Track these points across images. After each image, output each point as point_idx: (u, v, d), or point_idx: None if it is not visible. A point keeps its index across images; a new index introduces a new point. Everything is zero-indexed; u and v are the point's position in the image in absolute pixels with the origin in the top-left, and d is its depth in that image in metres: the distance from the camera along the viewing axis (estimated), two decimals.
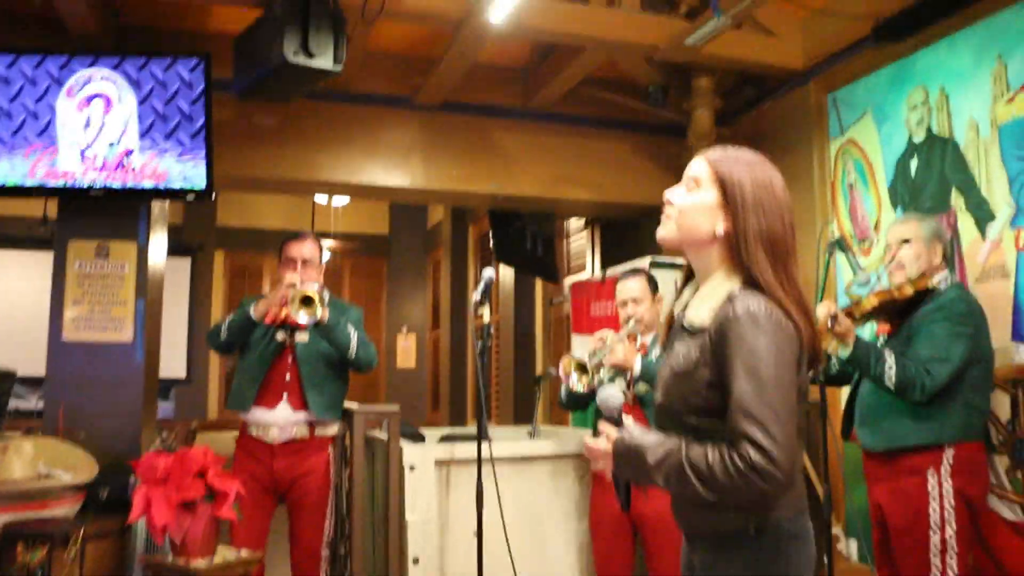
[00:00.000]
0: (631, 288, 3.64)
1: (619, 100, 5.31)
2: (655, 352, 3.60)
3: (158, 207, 4.83)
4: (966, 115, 3.65)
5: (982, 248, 3.54)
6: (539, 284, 7.39)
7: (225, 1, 4.21)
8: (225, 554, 3.39)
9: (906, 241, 3.12)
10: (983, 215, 3.56)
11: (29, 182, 4.25)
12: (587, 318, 5.07)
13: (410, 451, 3.69)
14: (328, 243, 8.61)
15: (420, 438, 4.53)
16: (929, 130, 3.84)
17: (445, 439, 4.08)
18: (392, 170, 5.17)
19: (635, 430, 1.73)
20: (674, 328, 1.84)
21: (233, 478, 3.43)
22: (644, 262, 4.52)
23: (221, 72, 4.36)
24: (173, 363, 8.29)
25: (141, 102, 4.29)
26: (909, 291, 3.02)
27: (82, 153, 4.28)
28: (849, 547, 4.16)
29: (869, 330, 3.73)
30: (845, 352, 2.97)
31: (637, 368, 3.42)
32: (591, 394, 3.58)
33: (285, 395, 3.79)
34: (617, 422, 1.79)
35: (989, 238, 3.52)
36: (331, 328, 3.73)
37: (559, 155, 5.45)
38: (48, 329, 4.53)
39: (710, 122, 4.92)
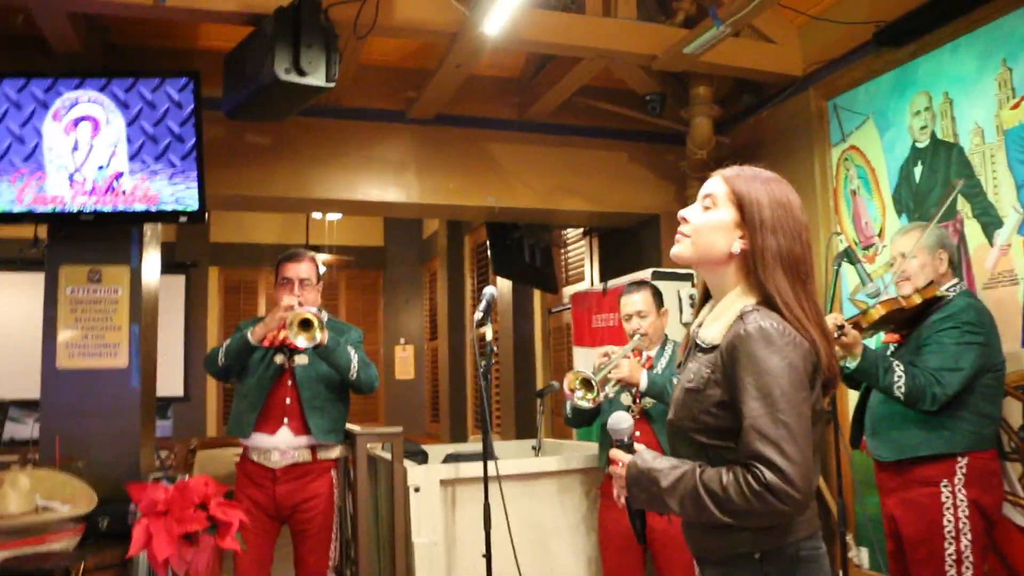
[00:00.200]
0: (636, 302, 3.60)
1: (616, 109, 5.27)
2: (660, 365, 3.55)
3: (150, 229, 4.75)
4: (971, 120, 3.61)
5: (990, 254, 3.50)
6: (538, 293, 7.34)
7: (214, 19, 4.14)
8: None
9: (909, 255, 3.09)
10: (990, 221, 3.51)
11: (17, 208, 4.18)
12: (589, 330, 5.01)
13: (415, 472, 3.63)
14: (323, 256, 8.56)
15: (423, 456, 4.48)
16: (933, 135, 3.80)
17: (450, 458, 4.02)
18: (387, 185, 5.12)
19: (647, 454, 1.71)
20: (690, 347, 1.82)
21: (236, 507, 3.37)
22: (646, 274, 4.46)
23: (211, 89, 4.30)
24: (170, 381, 8.26)
25: (130, 123, 4.22)
26: (917, 300, 2.99)
27: (71, 177, 4.21)
28: (860, 555, 4.12)
29: (875, 338, 3.69)
30: (853, 363, 2.93)
31: (643, 383, 3.38)
32: (596, 410, 3.54)
33: (286, 420, 3.73)
34: (628, 447, 1.76)
35: (997, 244, 3.47)
36: (331, 350, 3.67)
37: (556, 166, 5.40)
38: (41, 357, 4.46)
39: (709, 130, 4.87)
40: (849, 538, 4.15)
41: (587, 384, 3.38)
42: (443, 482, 3.65)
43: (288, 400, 3.74)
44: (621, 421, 1.81)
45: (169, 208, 4.27)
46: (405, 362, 10.26)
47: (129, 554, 3.21)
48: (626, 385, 3.45)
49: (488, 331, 3.47)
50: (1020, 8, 3.37)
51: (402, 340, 10.29)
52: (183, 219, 4.31)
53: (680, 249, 1.78)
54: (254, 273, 9.79)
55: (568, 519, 3.84)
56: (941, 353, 2.90)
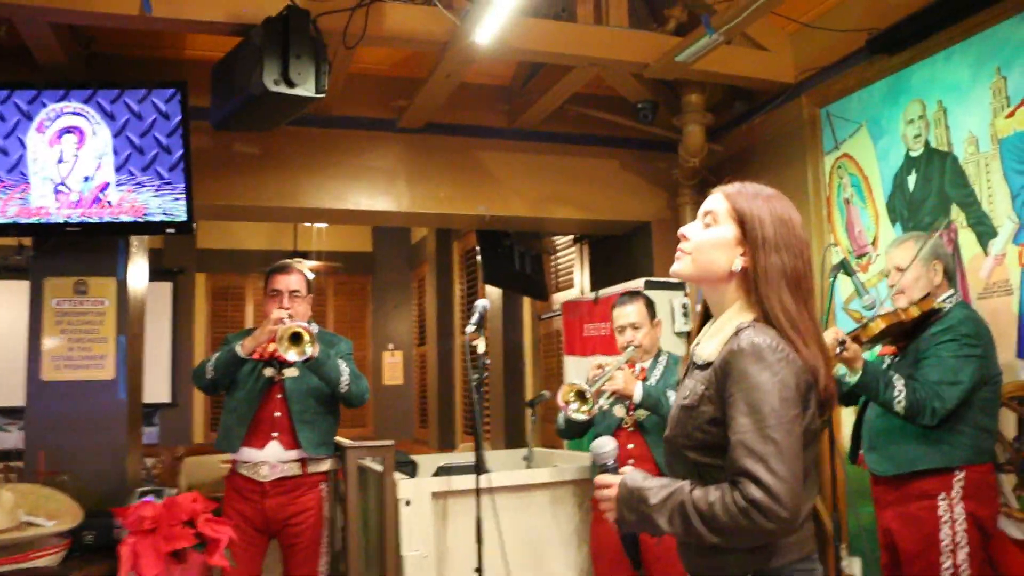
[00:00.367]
0: (629, 313, 3.58)
1: (607, 117, 5.24)
2: (654, 377, 3.54)
3: (137, 240, 4.71)
4: (965, 129, 3.59)
5: (985, 264, 3.48)
6: (528, 299, 7.31)
7: (201, 29, 4.09)
8: None
9: (903, 268, 3.09)
10: (985, 230, 3.50)
11: (1, 220, 4.12)
12: (580, 339, 4.99)
13: (405, 485, 3.59)
14: (311, 263, 8.52)
15: (413, 467, 4.45)
16: (927, 144, 3.78)
17: (441, 471, 3.99)
18: (377, 195, 5.07)
19: (637, 474, 1.70)
20: (688, 365, 1.81)
21: (224, 524, 3.33)
22: (639, 283, 4.44)
23: (198, 99, 4.25)
24: (157, 387, 8.22)
25: (116, 135, 4.17)
26: (915, 313, 2.99)
27: (56, 189, 4.16)
28: (852, 565, 4.10)
29: (870, 351, 3.68)
30: (853, 378, 2.92)
31: (638, 395, 3.36)
32: (590, 421, 3.53)
33: (275, 434, 3.70)
34: (613, 471, 1.76)
35: (992, 254, 3.46)
36: (321, 363, 3.64)
37: (547, 174, 5.37)
38: (26, 369, 4.41)
39: (702, 138, 4.85)
40: (842, 548, 4.14)
41: (582, 396, 3.36)
42: (434, 495, 3.61)
43: (278, 414, 3.72)
44: (603, 445, 1.80)
45: (157, 219, 4.22)
46: (394, 368, 10.23)
47: (119, 575, 3.15)
48: (620, 397, 3.43)
49: (481, 344, 3.44)
50: (1014, 16, 3.36)
51: (391, 346, 10.25)
52: (171, 230, 4.27)
53: (681, 266, 1.77)
54: (242, 279, 9.73)
55: (560, 531, 3.82)
56: (940, 366, 2.89)
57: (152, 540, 3.16)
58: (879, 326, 2.97)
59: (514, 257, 6.27)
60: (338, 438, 3.95)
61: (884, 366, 3.15)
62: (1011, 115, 3.39)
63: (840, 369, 2.92)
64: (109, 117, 4.17)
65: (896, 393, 2.87)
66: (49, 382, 4.41)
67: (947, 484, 2.88)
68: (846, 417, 3.82)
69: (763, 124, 4.88)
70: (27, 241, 4.58)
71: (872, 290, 3.71)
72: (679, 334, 4.43)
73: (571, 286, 6.74)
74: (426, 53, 4.54)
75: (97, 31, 4.49)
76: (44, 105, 4.13)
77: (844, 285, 3.40)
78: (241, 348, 3.66)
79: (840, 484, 3.56)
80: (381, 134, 5.13)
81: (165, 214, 4.23)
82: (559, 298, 6.85)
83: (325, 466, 3.83)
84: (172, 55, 4.85)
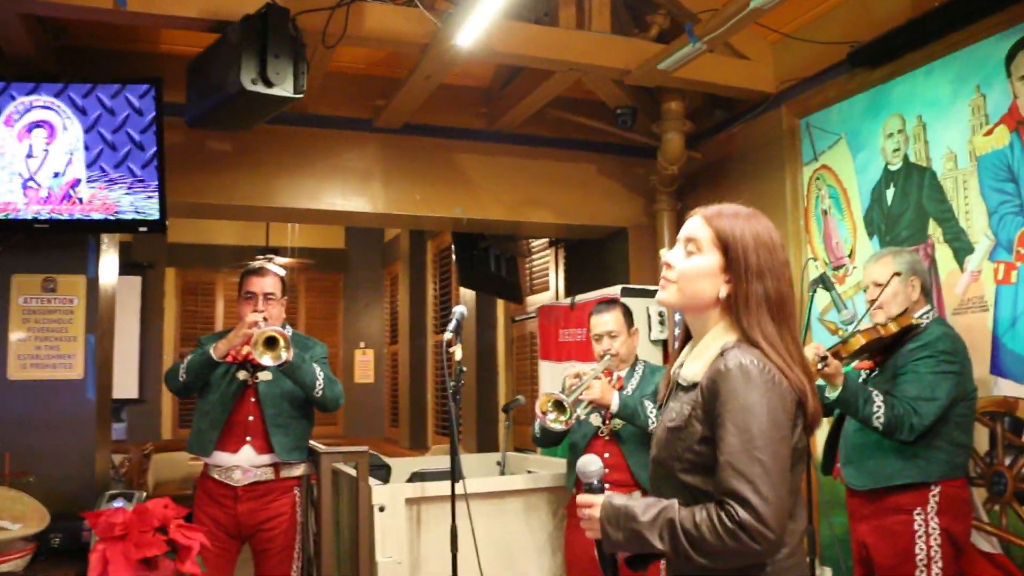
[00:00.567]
0: (606, 322, 3.57)
1: (586, 122, 5.23)
2: (631, 386, 3.53)
3: (108, 238, 4.62)
4: (944, 145, 3.62)
5: (960, 280, 3.51)
6: (502, 301, 7.29)
7: (177, 25, 4.02)
8: None
9: (881, 284, 3.11)
10: (962, 246, 3.52)
11: None
12: (556, 344, 4.97)
13: (380, 491, 3.57)
14: (283, 260, 8.44)
15: (387, 471, 4.42)
16: (906, 159, 3.80)
17: (415, 477, 3.96)
18: (351, 195, 5.02)
19: (619, 496, 1.69)
20: (670, 387, 1.81)
21: (196, 530, 3.27)
22: (615, 290, 4.43)
23: (172, 95, 4.18)
24: (125, 383, 8.13)
25: (87, 130, 4.09)
26: (894, 329, 3.02)
27: (24, 184, 4.07)
28: (824, 574, 4.13)
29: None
30: (833, 393, 2.93)
31: (615, 405, 3.35)
32: (566, 430, 3.50)
33: (249, 438, 3.67)
34: (599, 490, 1.74)
35: (968, 270, 3.48)
36: (296, 368, 3.60)
37: (524, 177, 5.34)
38: None
39: (681, 146, 4.85)
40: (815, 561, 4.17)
41: (559, 406, 3.34)
42: (408, 501, 3.59)
43: (251, 418, 3.68)
44: (589, 464, 1.78)
45: (128, 217, 4.15)
46: (365, 366, 10.17)
47: None
48: (597, 406, 3.42)
49: (458, 351, 3.41)
50: (995, 35, 3.38)
51: (362, 344, 10.19)
52: (143, 229, 4.20)
53: (667, 296, 1.76)
54: (212, 275, 9.63)
55: (535, 539, 3.82)
56: (918, 382, 2.92)
57: (123, 547, 3.10)
58: (859, 342, 2.99)
59: (489, 259, 6.25)
60: (312, 442, 3.91)
61: (861, 380, 3.17)
62: (989, 133, 3.42)
63: (819, 384, 2.94)
64: (81, 112, 4.09)
65: (875, 409, 2.89)
66: (16, 381, 4.33)
67: (923, 499, 2.90)
68: (820, 428, 3.84)
69: (742, 133, 4.90)
70: None
71: (848, 302, 3.72)
72: (655, 342, 4.43)
73: (546, 288, 6.74)
74: (405, 53, 4.49)
75: (68, 23, 4.40)
76: (13, 98, 4.04)
77: (821, 296, 3.41)
78: (215, 351, 3.61)
79: (814, 495, 3.59)
80: (357, 134, 5.08)
81: (137, 212, 4.15)
82: (533, 300, 6.84)
83: (298, 471, 3.79)
84: (146, 49, 4.76)
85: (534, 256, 7.00)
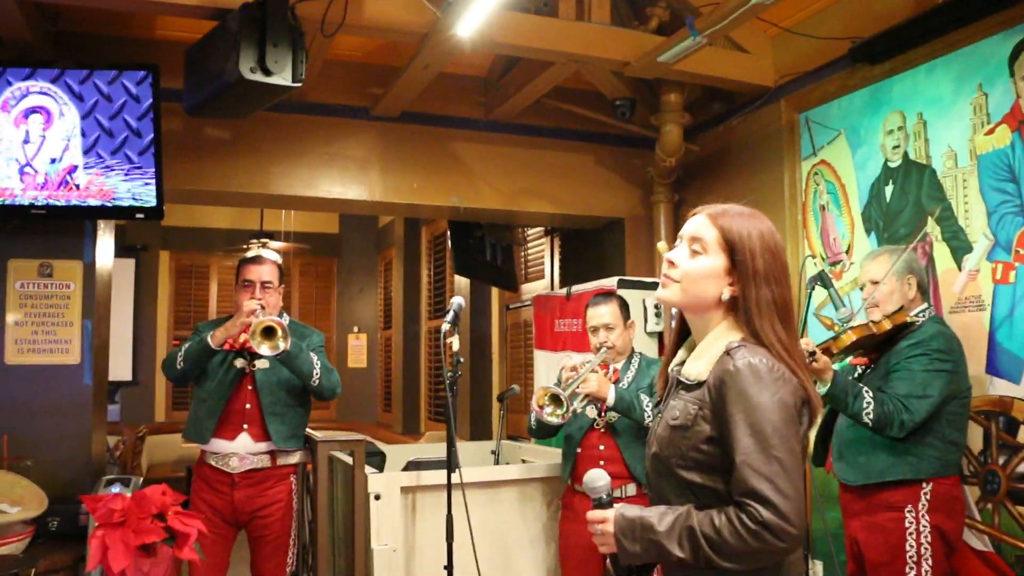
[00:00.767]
0: (603, 314, 3.57)
1: (584, 113, 5.23)
2: (627, 379, 3.54)
3: (104, 222, 4.62)
4: (944, 143, 3.61)
5: (958, 278, 3.52)
6: (496, 288, 7.30)
7: (175, 12, 4.00)
8: None
9: (877, 282, 3.12)
10: (960, 245, 3.52)
11: None
12: (551, 334, 4.99)
13: (375, 480, 3.58)
14: (277, 244, 8.44)
15: (382, 458, 4.43)
16: (905, 156, 3.80)
17: (411, 465, 3.98)
18: (348, 183, 5.02)
19: (630, 507, 1.68)
20: (669, 385, 1.80)
21: (194, 517, 3.30)
22: (612, 282, 4.44)
23: (170, 81, 4.17)
24: (119, 366, 8.12)
25: (84, 116, 4.08)
26: (887, 326, 3.02)
27: (21, 170, 4.06)
28: (815, 568, 4.16)
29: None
30: (823, 388, 2.94)
31: (611, 398, 3.36)
32: (562, 423, 3.52)
33: (245, 426, 3.68)
34: (607, 505, 1.72)
35: (966, 269, 3.49)
36: (293, 357, 3.61)
37: (522, 167, 5.34)
38: None
39: (679, 139, 4.86)
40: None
41: (556, 400, 3.35)
42: (404, 489, 3.61)
43: (248, 406, 3.69)
44: (598, 479, 1.75)
45: (125, 204, 4.15)
46: (358, 351, 10.18)
47: (88, 568, 3.12)
48: (593, 399, 3.44)
49: (455, 342, 3.42)
50: (998, 33, 3.37)
51: (355, 328, 10.20)
52: (140, 216, 4.20)
53: (669, 294, 1.75)
54: (206, 258, 9.63)
55: (528, 528, 3.83)
56: (910, 380, 2.93)
57: (121, 533, 3.12)
58: (850, 338, 3.00)
59: (485, 248, 6.25)
60: (308, 430, 3.93)
61: (855, 376, 3.20)
62: (991, 132, 3.41)
63: None
64: (77, 98, 4.08)
65: (865, 405, 2.91)
66: (13, 366, 4.35)
67: (914, 496, 2.92)
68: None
69: (741, 126, 4.90)
70: None
71: (845, 297, 3.74)
72: (651, 334, 4.45)
73: (541, 277, 6.74)
74: (403, 42, 4.48)
75: (64, 8, 4.36)
76: (9, 83, 4.03)
77: (818, 292, 3.42)
78: (212, 339, 3.62)
79: (807, 489, 3.61)
80: (355, 122, 5.07)
81: (134, 199, 4.15)
82: (528, 289, 6.85)
83: (295, 458, 3.81)
84: (142, 35, 4.74)
85: (529, 244, 7.01)
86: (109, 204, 4.15)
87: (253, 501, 3.67)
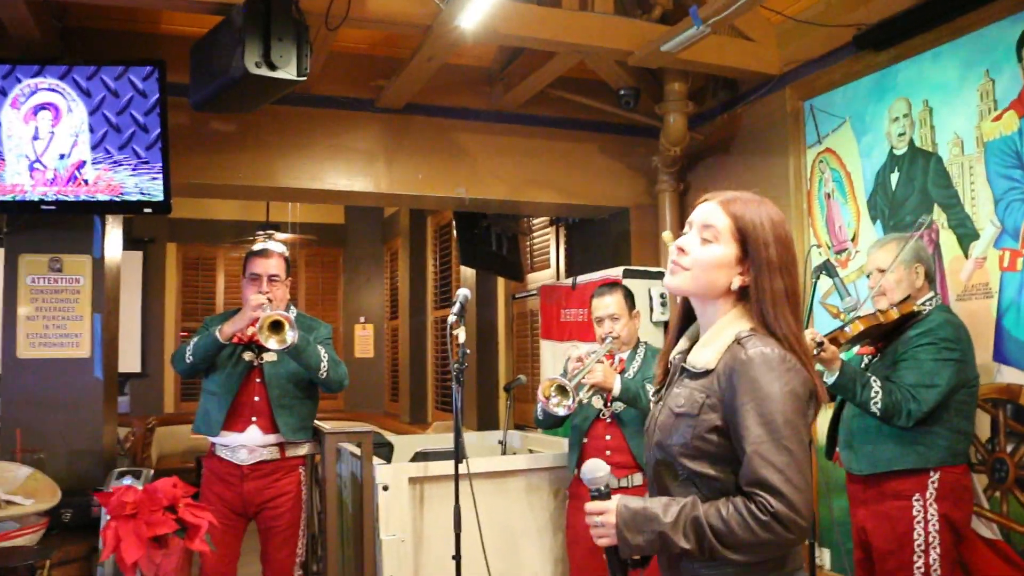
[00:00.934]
0: (608, 304, 3.58)
1: (588, 102, 5.22)
2: (633, 369, 3.56)
3: (113, 217, 4.65)
4: (950, 130, 3.58)
5: (965, 266, 3.50)
6: (502, 278, 7.31)
7: (180, 7, 4.02)
8: None
9: (884, 270, 3.11)
10: (966, 233, 3.50)
11: None
12: (557, 324, 5.00)
13: (383, 470, 3.62)
14: (283, 235, 8.46)
15: (389, 449, 4.46)
16: (911, 143, 3.77)
17: (419, 456, 4.01)
18: (354, 175, 5.04)
19: (633, 498, 1.66)
20: (672, 372, 1.78)
21: (205, 509, 3.33)
22: (617, 272, 4.45)
23: (176, 75, 4.19)
24: (128, 358, 8.20)
25: (92, 112, 4.11)
26: (894, 315, 3.00)
27: (31, 166, 4.09)
28: (823, 556, 4.17)
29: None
30: (831, 379, 2.94)
31: (616, 388, 3.38)
32: (569, 414, 3.54)
33: (254, 418, 3.70)
34: (606, 496, 1.69)
35: (973, 256, 3.47)
36: (301, 350, 3.63)
37: (527, 157, 5.35)
38: (1, 347, 4.37)
39: (683, 128, 4.86)
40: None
41: (563, 391, 3.36)
42: (412, 480, 3.64)
43: (257, 398, 3.71)
44: (597, 469, 1.72)
45: (133, 198, 4.18)
46: (365, 341, 10.21)
47: (102, 558, 3.17)
48: (599, 389, 3.46)
49: (462, 333, 3.44)
50: (1004, 19, 3.33)
51: (362, 319, 10.23)
52: (148, 210, 4.23)
53: (678, 282, 1.71)
54: (213, 249, 9.65)
55: (536, 518, 3.86)
56: (917, 369, 2.92)
57: (134, 525, 3.16)
58: (858, 328, 2.98)
59: (490, 238, 6.26)
60: (317, 422, 3.96)
61: (862, 365, 3.19)
62: (998, 119, 3.38)
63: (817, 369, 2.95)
64: (85, 94, 4.10)
65: (872, 394, 2.90)
66: (24, 359, 4.39)
67: (922, 485, 2.91)
68: (821, 414, 3.87)
69: (745, 114, 4.89)
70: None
71: (851, 286, 3.73)
72: (657, 323, 4.46)
73: (547, 267, 6.76)
74: (407, 33, 4.49)
75: (71, 5, 4.39)
76: (19, 80, 4.06)
77: (823, 282, 3.42)
78: (220, 333, 3.65)
79: (813, 478, 3.62)
80: (359, 114, 5.08)
81: (142, 193, 4.18)
82: (534, 278, 6.86)
83: (303, 450, 3.84)
84: (148, 30, 4.75)
85: (535, 234, 7.02)
86: (117, 199, 4.18)
87: (263, 493, 3.70)
